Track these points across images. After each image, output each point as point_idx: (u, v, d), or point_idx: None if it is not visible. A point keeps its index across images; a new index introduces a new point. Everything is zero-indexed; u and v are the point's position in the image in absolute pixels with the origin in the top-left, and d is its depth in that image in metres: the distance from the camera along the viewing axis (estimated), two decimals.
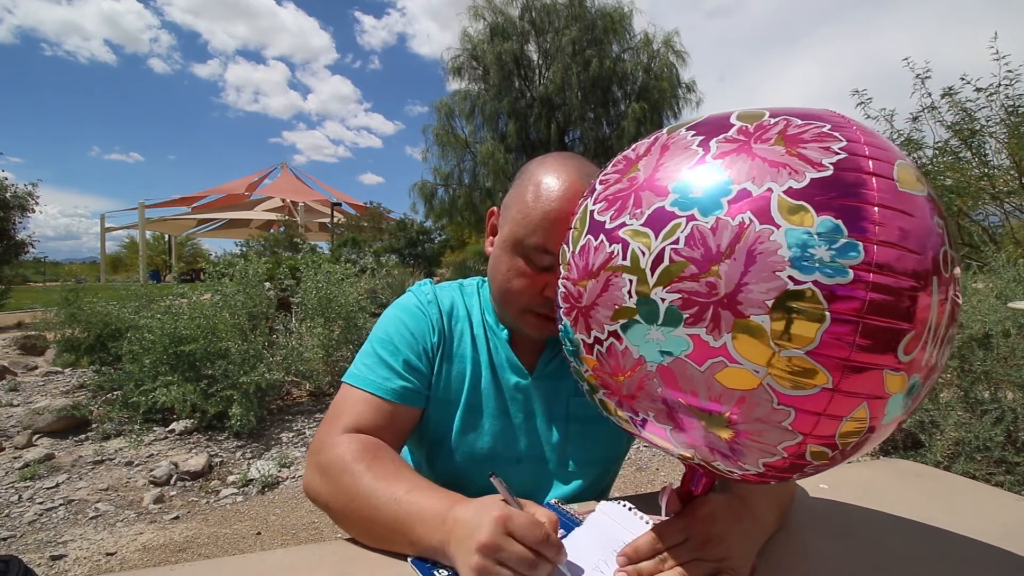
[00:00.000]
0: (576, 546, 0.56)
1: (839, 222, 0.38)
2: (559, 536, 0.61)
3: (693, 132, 0.48)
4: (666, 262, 0.42)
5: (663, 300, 0.43)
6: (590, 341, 0.51)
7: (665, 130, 0.52)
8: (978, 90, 4.90)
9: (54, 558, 2.07)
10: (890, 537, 0.66)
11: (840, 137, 0.42)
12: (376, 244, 17.36)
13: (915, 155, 5.54)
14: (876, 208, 0.39)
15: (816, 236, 0.38)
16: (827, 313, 0.37)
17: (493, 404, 0.77)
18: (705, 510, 0.53)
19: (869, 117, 5.64)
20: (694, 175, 0.44)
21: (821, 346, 0.38)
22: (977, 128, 5.02)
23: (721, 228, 0.40)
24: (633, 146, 0.54)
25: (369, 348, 0.76)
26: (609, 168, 0.54)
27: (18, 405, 3.98)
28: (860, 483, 0.83)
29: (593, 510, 0.67)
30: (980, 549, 0.63)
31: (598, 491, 0.86)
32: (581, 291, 0.51)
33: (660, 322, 0.43)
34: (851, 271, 0.37)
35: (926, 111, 5.30)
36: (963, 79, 4.93)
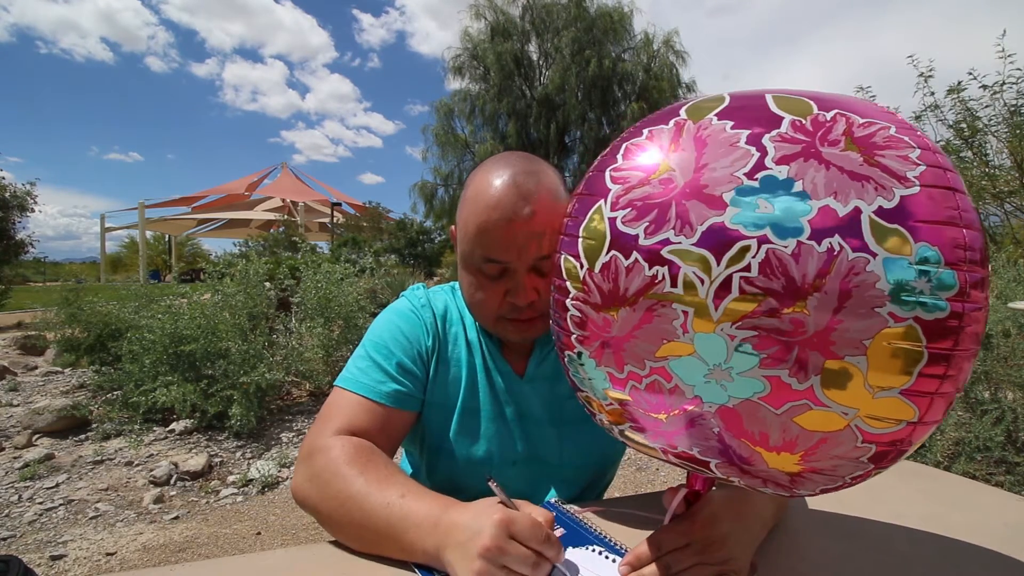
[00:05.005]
0: None
1: (936, 249, 0.34)
2: (558, 535, 0.61)
3: (731, 123, 0.40)
4: (735, 293, 0.36)
5: (732, 337, 0.36)
6: (621, 376, 0.43)
7: (684, 112, 0.44)
8: (984, 87, 4.89)
9: (54, 558, 2.07)
10: (890, 537, 0.66)
11: (911, 143, 0.37)
12: (376, 244, 17.37)
13: None
14: (965, 231, 0.35)
15: (915, 266, 0.34)
16: (925, 351, 0.34)
17: (489, 407, 0.77)
18: (707, 512, 0.53)
19: None
20: (757, 184, 0.37)
21: (916, 384, 0.35)
22: (979, 128, 5.02)
23: (805, 255, 0.34)
24: (646, 130, 0.46)
25: (362, 351, 0.74)
26: (622, 162, 0.45)
27: (18, 405, 3.98)
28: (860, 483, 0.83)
29: (593, 511, 0.67)
30: (980, 549, 0.63)
31: (596, 492, 0.85)
32: (609, 320, 0.42)
33: (727, 362, 0.37)
34: (948, 304, 0.34)
35: (929, 110, 5.29)
36: (970, 74, 4.93)
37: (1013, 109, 4.85)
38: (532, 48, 15.07)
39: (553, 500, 0.73)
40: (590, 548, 0.58)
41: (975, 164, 5.15)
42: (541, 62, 15.17)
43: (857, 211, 0.34)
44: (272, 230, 22.70)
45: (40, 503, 2.50)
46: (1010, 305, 2.32)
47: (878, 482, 0.84)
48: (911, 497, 0.78)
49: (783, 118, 0.39)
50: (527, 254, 0.65)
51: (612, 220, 0.42)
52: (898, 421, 0.36)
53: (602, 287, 0.43)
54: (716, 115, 0.42)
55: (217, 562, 0.72)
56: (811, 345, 0.35)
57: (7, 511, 2.42)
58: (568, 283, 0.47)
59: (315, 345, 4.07)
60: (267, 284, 4.47)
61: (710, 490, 0.55)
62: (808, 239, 0.35)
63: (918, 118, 5.41)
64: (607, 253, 0.42)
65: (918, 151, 0.37)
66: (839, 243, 0.34)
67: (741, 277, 0.36)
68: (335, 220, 22.71)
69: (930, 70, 5.26)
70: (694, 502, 0.54)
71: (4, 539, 2.19)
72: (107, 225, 35.71)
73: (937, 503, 0.76)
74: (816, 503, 0.74)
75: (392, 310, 0.80)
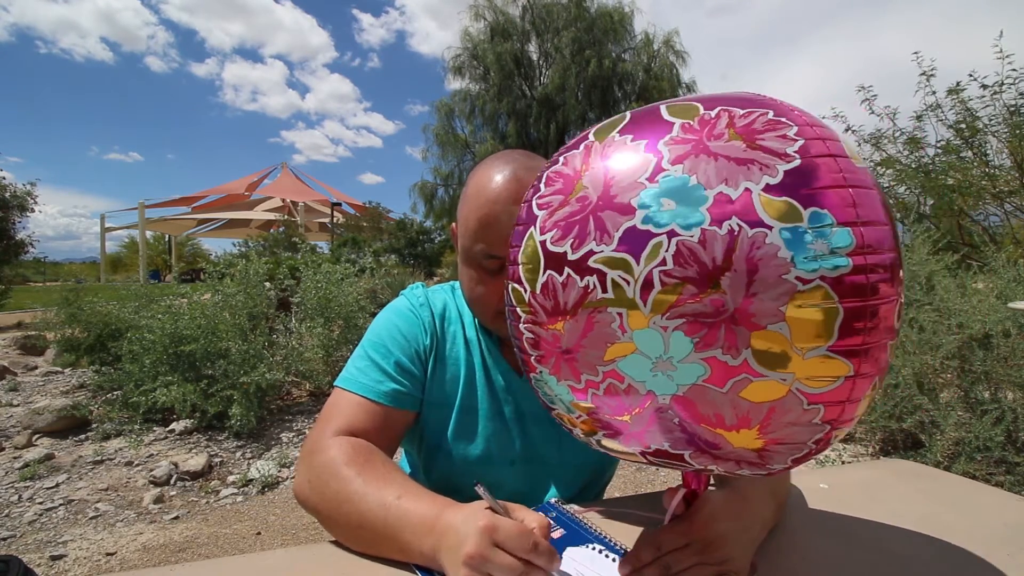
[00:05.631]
0: None
1: (826, 211, 0.37)
2: (558, 535, 0.61)
3: (631, 136, 0.44)
4: (657, 287, 0.39)
5: (665, 328, 0.39)
6: (581, 386, 0.46)
7: (591, 134, 0.48)
8: (984, 87, 4.89)
9: (54, 558, 2.07)
10: (890, 537, 0.66)
11: (788, 122, 0.41)
12: (376, 244, 17.37)
13: (916, 154, 5.54)
14: (850, 189, 0.39)
15: (810, 230, 0.37)
16: (839, 305, 0.37)
17: (487, 406, 0.77)
18: (705, 511, 0.53)
19: (873, 113, 5.65)
20: (658, 185, 0.40)
21: (839, 338, 0.37)
22: (979, 128, 5.01)
23: (710, 240, 0.38)
24: (560, 159, 0.50)
25: (361, 351, 0.75)
26: (544, 190, 0.49)
27: (18, 405, 3.98)
28: (860, 483, 0.83)
29: (593, 511, 0.67)
30: (980, 549, 0.63)
31: (595, 492, 0.85)
32: (557, 335, 0.45)
33: (666, 352, 0.40)
34: (849, 258, 0.37)
35: (930, 110, 5.29)
36: (971, 75, 4.93)
37: (1013, 109, 4.85)
38: (532, 48, 15.10)
39: (553, 500, 0.73)
40: (590, 546, 0.58)
41: (975, 164, 5.14)
42: (541, 62, 15.18)
43: (748, 192, 0.38)
44: (272, 230, 22.71)
45: (40, 503, 2.50)
46: (1010, 305, 2.32)
47: (878, 482, 0.84)
48: (911, 497, 0.78)
49: (674, 123, 0.43)
50: None
51: (542, 243, 0.46)
52: (835, 378, 0.38)
53: (545, 305, 0.46)
54: (618, 132, 0.46)
55: (217, 562, 0.72)
56: (735, 321, 0.38)
57: (7, 511, 2.42)
58: (518, 308, 0.50)
59: (315, 345, 4.07)
60: (267, 284, 4.47)
61: (708, 490, 0.55)
62: (710, 225, 0.38)
63: (919, 118, 5.41)
64: (544, 273, 0.46)
65: (795, 128, 0.41)
66: (738, 223, 0.37)
67: (660, 271, 0.39)
68: (335, 220, 22.72)
69: (932, 69, 5.25)
70: (693, 502, 0.54)
71: (4, 539, 2.19)
72: (107, 225, 35.74)
73: (937, 503, 0.76)
74: (816, 503, 0.75)
75: (390, 309, 0.80)
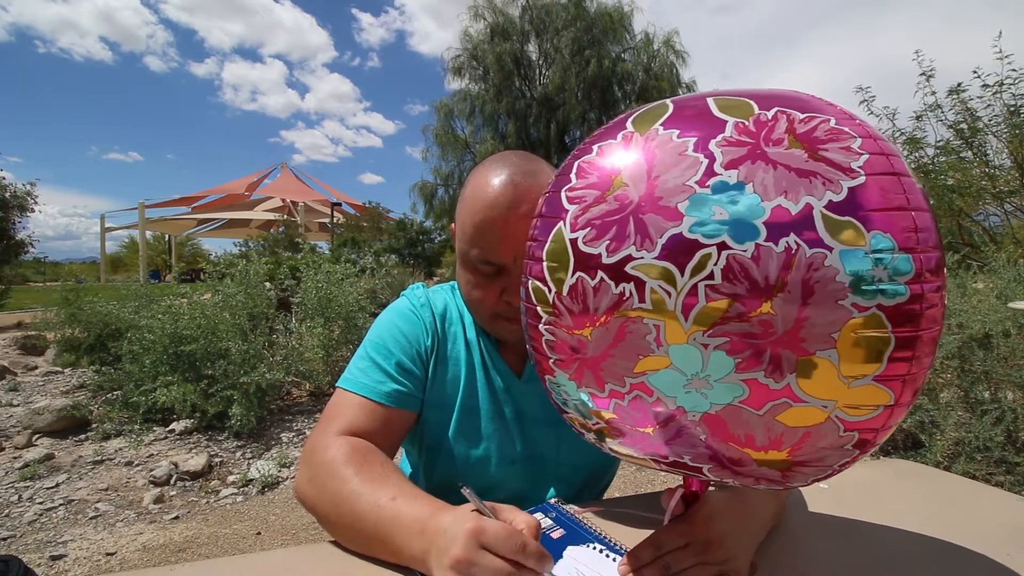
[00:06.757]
0: None
1: (889, 236, 0.35)
2: (558, 535, 0.61)
3: (676, 131, 0.40)
4: (702, 302, 0.36)
5: (705, 346, 0.36)
6: (604, 395, 0.43)
7: (630, 123, 0.44)
8: (985, 86, 4.89)
9: (54, 558, 2.07)
10: (890, 537, 0.66)
11: (851, 133, 0.38)
12: (376, 244, 17.36)
13: (916, 154, 5.54)
14: (913, 213, 0.36)
15: (871, 255, 0.34)
16: (892, 335, 0.35)
17: (488, 406, 0.77)
18: (705, 511, 0.53)
19: (872, 114, 5.65)
20: (709, 191, 0.37)
21: (887, 369, 0.35)
22: (979, 128, 5.02)
23: (764, 256, 0.35)
24: (594, 147, 0.45)
25: (363, 352, 0.75)
26: (576, 182, 0.44)
27: (18, 405, 3.98)
28: (860, 483, 0.83)
29: (593, 511, 0.67)
30: (980, 549, 0.63)
31: (596, 492, 0.85)
32: (583, 341, 0.42)
33: (704, 370, 0.37)
34: (907, 287, 0.35)
35: (929, 110, 5.29)
36: (974, 73, 4.93)
37: (1013, 109, 4.85)
38: (532, 48, 15.09)
39: (553, 500, 0.73)
40: (590, 546, 0.58)
41: (975, 164, 5.14)
42: (541, 62, 15.18)
43: (809, 207, 0.35)
44: (272, 230, 22.71)
45: (40, 503, 2.50)
46: (1010, 305, 2.32)
47: (878, 482, 0.84)
48: (911, 497, 0.78)
49: (726, 121, 0.39)
50: (523, 254, 0.64)
51: (573, 241, 0.42)
52: (876, 407, 0.37)
53: (572, 308, 0.42)
54: (662, 125, 0.42)
55: (217, 562, 0.72)
56: (782, 344, 0.35)
57: (7, 511, 2.42)
58: (539, 307, 0.46)
59: (315, 345, 4.06)
60: (267, 284, 4.47)
61: (708, 490, 0.55)
62: (766, 240, 0.35)
63: (919, 118, 5.41)
64: (573, 275, 0.42)
65: (860, 140, 0.38)
66: (796, 241, 0.35)
67: (706, 285, 0.36)
68: (335, 220, 22.72)
69: (931, 70, 5.26)
70: (692, 502, 0.54)
71: (4, 539, 2.19)
72: (107, 225, 35.75)
73: (937, 503, 0.76)
74: (816, 503, 0.74)
75: (392, 310, 0.80)
